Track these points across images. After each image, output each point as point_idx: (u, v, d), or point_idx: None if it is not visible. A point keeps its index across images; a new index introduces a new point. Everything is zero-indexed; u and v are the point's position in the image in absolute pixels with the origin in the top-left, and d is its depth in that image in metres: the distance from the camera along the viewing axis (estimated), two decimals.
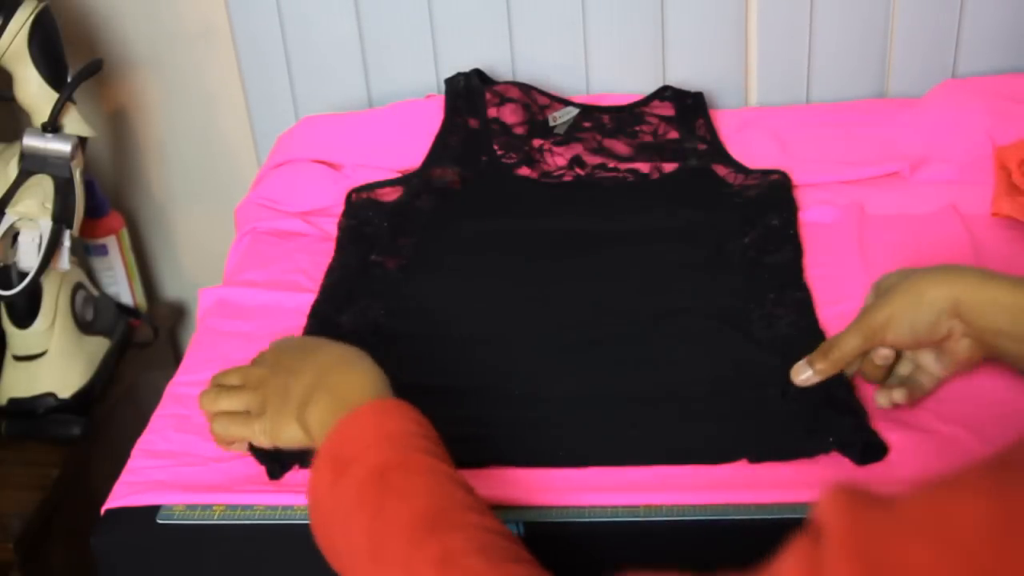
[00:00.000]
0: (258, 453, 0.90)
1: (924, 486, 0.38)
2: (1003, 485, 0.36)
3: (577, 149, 1.30)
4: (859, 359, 0.89)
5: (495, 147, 1.29)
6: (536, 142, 1.30)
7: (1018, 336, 0.80)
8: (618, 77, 1.42)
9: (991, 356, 0.87)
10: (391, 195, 1.24)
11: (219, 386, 0.90)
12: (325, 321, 1.06)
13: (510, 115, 1.32)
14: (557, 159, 1.29)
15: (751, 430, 0.89)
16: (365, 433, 0.74)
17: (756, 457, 0.87)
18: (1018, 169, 1.17)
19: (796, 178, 1.24)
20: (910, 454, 0.86)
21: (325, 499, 0.73)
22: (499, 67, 1.40)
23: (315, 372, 0.82)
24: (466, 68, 1.36)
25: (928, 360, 0.89)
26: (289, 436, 0.84)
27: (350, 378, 0.81)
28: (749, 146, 1.30)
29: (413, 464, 0.71)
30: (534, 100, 1.34)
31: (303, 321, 1.08)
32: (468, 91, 1.33)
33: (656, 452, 0.88)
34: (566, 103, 1.35)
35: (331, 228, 1.23)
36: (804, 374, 0.88)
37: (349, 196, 1.25)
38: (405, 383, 0.82)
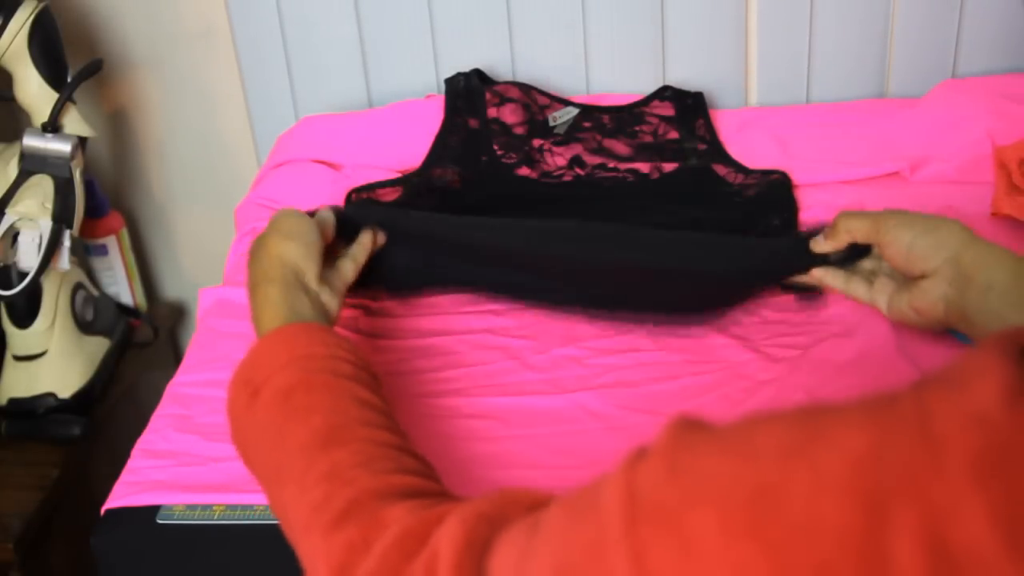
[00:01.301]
0: None
1: (744, 417, 0.41)
2: (804, 415, 0.39)
3: (577, 149, 1.30)
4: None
5: (495, 147, 1.29)
6: (536, 142, 1.30)
7: (1006, 291, 0.83)
8: (618, 77, 1.42)
9: (947, 323, 0.89)
10: (391, 195, 1.24)
11: None
12: None
13: (510, 115, 1.32)
14: (557, 159, 1.29)
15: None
16: (274, 358, 0.78)
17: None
18: (1018, 169, 1.17)
19: (796, 178, 1.24)
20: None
21: (240, 421, 0.78)
22: (499, 67, 1.40)
23: (252, 281, 0.89)
24: (466, 68, 1.36)
25: (887, 282, 0.94)
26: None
27: (269, 302, 0.85)
28: (749, 146, 1.30)
29: (315, 383, 0.75)
30: (534, 100, 1.34)
31: None
32: (468, 91, 1.33)
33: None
34: (566, 103, 1.35)
35: None
36: (819, 246, 0.97)
37: (348, 197, 1.24)
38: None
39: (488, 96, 1.33)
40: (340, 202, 1.25)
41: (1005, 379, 0.34)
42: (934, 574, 0.33)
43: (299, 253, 0.90)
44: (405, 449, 0.71)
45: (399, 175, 1.29)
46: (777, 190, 1.21)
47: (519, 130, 1.31)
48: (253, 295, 0.87)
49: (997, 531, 0.32)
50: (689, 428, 0.40)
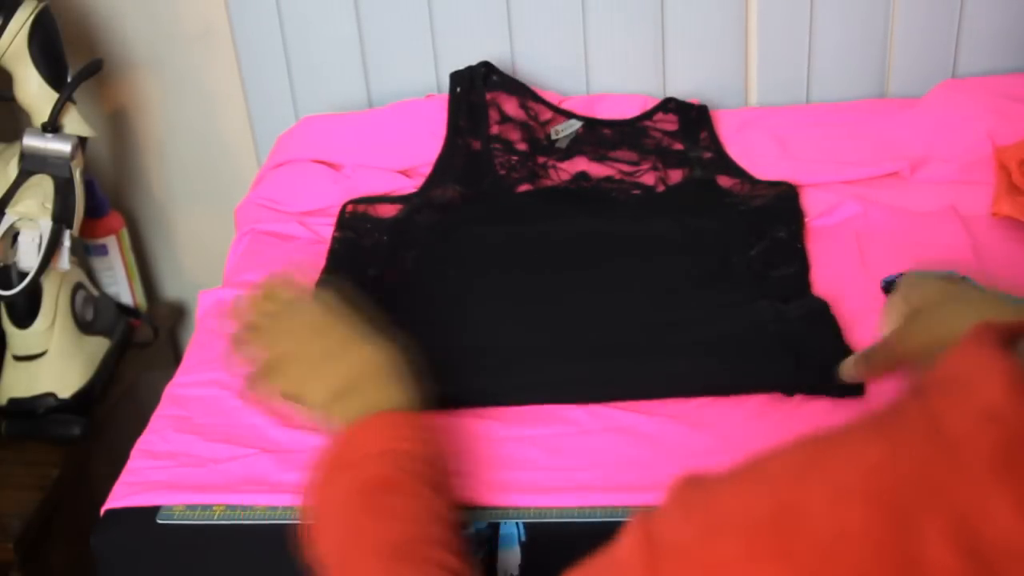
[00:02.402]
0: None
1: (750, 456, 0.41)
2: (811, 440, 0.39)
3: (581, 163, 1.29)
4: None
5: (498, 168, 1.28)
6: (540, 159, 1.30)
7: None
8: (618, 77, 1.42)
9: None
10: (390, 211, 1.23)
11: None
12: None
13: (512, 132, 1.31)
14: (561, 175, 1.29)
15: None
16: (372, 442, 0.78)
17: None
18: (1018, 169, 1.17)
19: (796, 178, 1.24)
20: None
21: (323, 483, 0.78)
22: (499, 67, 1.40)
23: (354, 371, 0.84)
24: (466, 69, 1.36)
25: None
26: (312, 414, 0.86)
27: (382, 393, 0.83)
28: (749, 147, 1.30)
29: (403, 487, 0.76)
30: (536, 116, 1.33)
31: None
32: (471, 107, 1.32)
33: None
34: (568, 115, 1.34)
35: (330, 230, 1.22)
36: (846, 373, 0.91)
37: (343, 209, 1.24)
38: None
39: (491, 113, 1.32)
40: (340, 202, 1.25)
41: (1007, 373, 0.34)
42: (973, 573, 0.32)
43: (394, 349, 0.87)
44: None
45: (399, 174, 1.29)
46: (783, 201, 1.21)
47: (521, 146, 1.30)
48: (364, 381, 0.84)
49: None
50: (695, 478, 0.40)
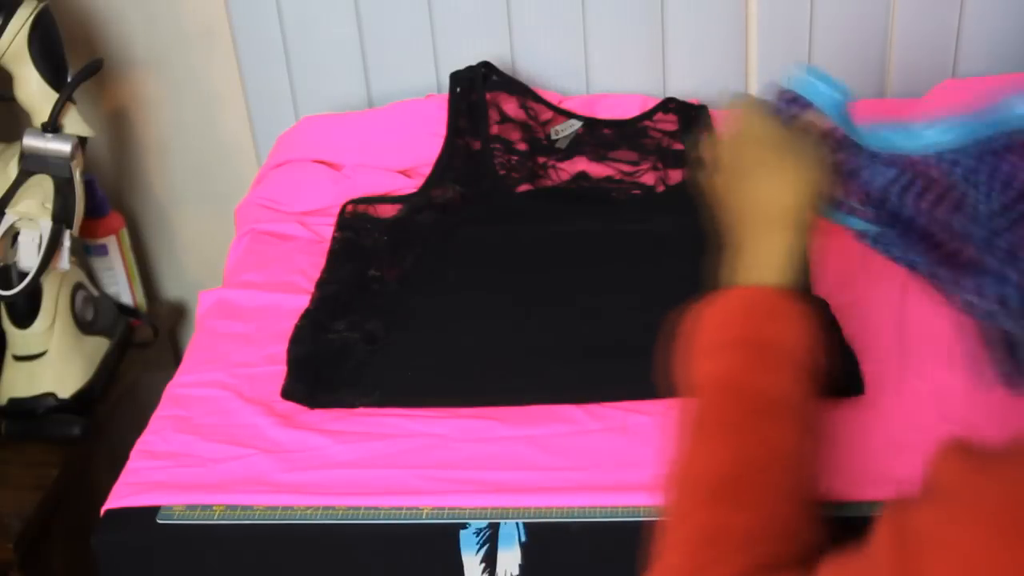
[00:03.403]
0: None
1: (1007, 444, 0.39)
2: None
3: (581, 164, 1.29)
4: None
5: (497, 168, 1.28)
6: (540, 159, 1.30)
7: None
8: (618, 77, 1.41)
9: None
10: (389, 211, 1.23)
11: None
12: (317, 328, 1.06)
13: (512, 132, 1.31)
14: (561, 175, 1.29)
15: None
16: (727, 328, 0.71)
17: None
18: None
19: None
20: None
21: (689, 358, 0.72)
22: (499, 67, 1.40)
23: (740, 209, 0.79)
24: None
25: None
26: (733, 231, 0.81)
27: (753, 249, 0.76)
28: None
29: (744, 396, 0.68)
30: (536, 116, 1.33)
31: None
32: (470, 107, 1.32)
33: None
34: (568, 115, 1.34)
35: (330, 230, 1.23)
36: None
37: (343, 209, 1.24)
38: (406, 390, 0.82)
39: (491, 113, 1.32)
40: (340, 202, 1.25)
41: None
42: None
43: (817, 184, 0.79)
44: (802, 523, 0.65)
45: (399, 174, 1.29)
46: None
47: (521, 146, 1.30)
48: (749, 222, 0.78)
49: None
50: (955, 453, 0.40)
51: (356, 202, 1.24)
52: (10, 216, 1.16)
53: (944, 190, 0.88)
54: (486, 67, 1.34)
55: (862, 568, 0.41)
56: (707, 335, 0.72)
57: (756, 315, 0.72)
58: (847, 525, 0.59)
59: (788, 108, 0.88)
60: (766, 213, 0.77)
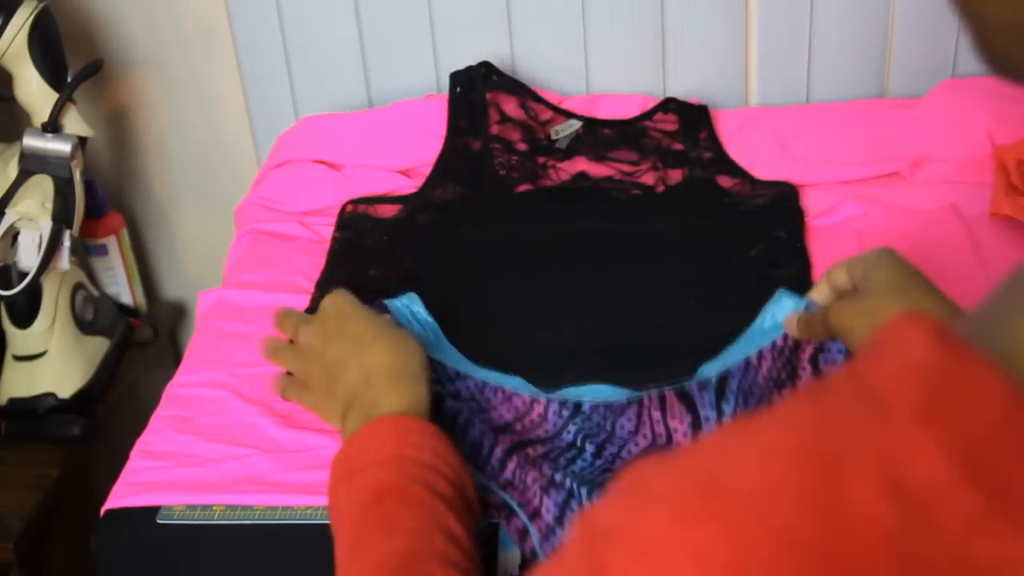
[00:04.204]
0: None
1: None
2: (744, 417, 0.39)
3: (581, 163, 1.29)
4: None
5: (497, 168, 1.28)
6: (540, 159, 1.30)
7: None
8: (618, 77, 1.41)
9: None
10: (389, 211, 1.23)
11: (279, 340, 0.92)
12: None
13: (512, 132, 1.31)
14: (561, 175, 1.29)
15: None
16: (380, 448, 0.76)
17: None
18: (1016, 170, 1.17)
19: (796, 178, 1.24)
20: None
21: (335, 492, 0.77)
22: (499, 67, 1.40)
23: (359, 377, 0.83)
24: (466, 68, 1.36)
25: None
26: (334, 425, 0.85)
27: (389, 396, 0.81)
28: (749, 147, 1.30)
29: (410, 496, 0.73)
30: (536, 116, 1.33)
31: None
32: (470, 106, 1.32)
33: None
34: (568, 115, 1.34)
35: (330, 230, 1.23)
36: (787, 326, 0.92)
37: (343, 209, 1.23)
38: None
39: (491, 113, 1.32)
40: (340, 202, 1.25)
41: (929, 333, 0.36)
42: (896, 511, 0.33)
43: (425, 353, 0.86)
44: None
45: (399, 174, 1.29)
46: (783, 201, 1.20)
47: (521, 146, 1.30)
48: (367, 388, 0.82)
49: (950, 463, 0.33)
50: (636, 464, 0.41)
51: (356, 202, 1.24)
52: (10, 216, 1.16)
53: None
54: (486, 67, 1.34)
55: (555, 570, 0.42)
56: (362, 455, 0.77)
57: (407, 435, 0.77)
58: None
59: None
60: (396, 370, 0.82)
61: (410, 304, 0.98)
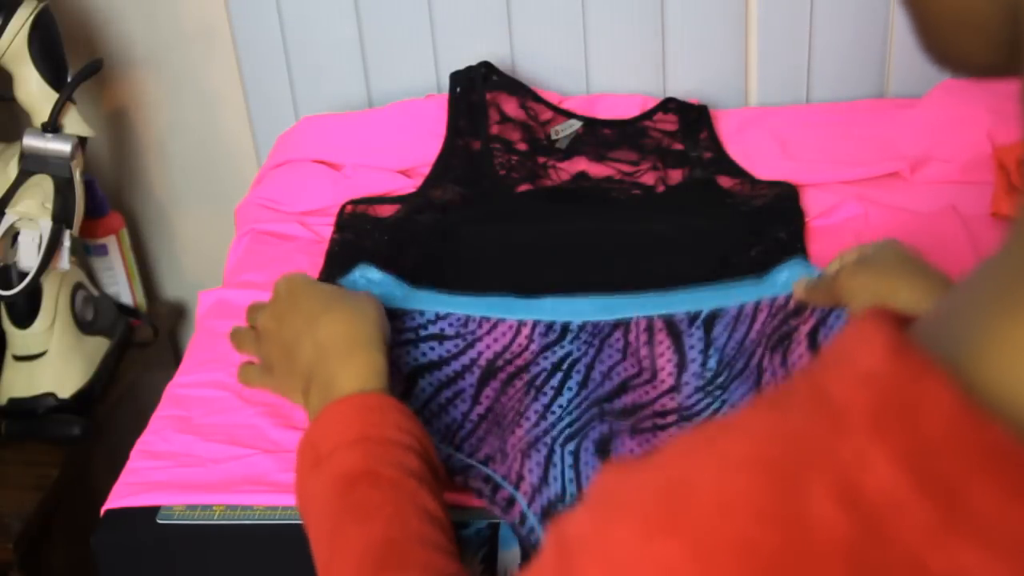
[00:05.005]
0: None
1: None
2: (705, 423, 0.40)
3: (581, 163, 1.29)
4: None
5: (497, 168, 1.28)
6: (540, 159, 1.29)
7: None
8: (618, 77, 1.41)
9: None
10: (388, 211, 1.23)
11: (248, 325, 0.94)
12: None
13: (512, 132, 1.31)
14: (561, 175, 1.29)
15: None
16: (346, 429, 0.76)
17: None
18: (1017, 170, 1.17)
19: (796, 178, 1.24)
20: None
21: (303, 483, 0.76)
22: (499, 67, 1.40)
23: (314, 351, 0.83)
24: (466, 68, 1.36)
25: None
26: (301, 404, 0.86)
27: (345, 369, 0.81)
28: (749, 146, 1.30)
29: (382, 479, 0.73)
30: (536, 116, 1.33)
31: None
32: (470, 107, 1.32)
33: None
34: (568, 115, 1.34)
35: (330, 230, 1.22)
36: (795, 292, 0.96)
37: (342, 209, 1.23)
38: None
39: (490, 113, 1.32)
40: (340, 202, 1.25)
41: (885, 340, 0.36)
42: (855, 524, 0.33)
43: (381, 315, 0.87)
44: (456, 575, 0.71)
45: (399, 174, 1.29)
46: (783, 201, 1.20)
47: (521, 146, 1.30)
48: (322, 362, 0.82)
49: (903, 472, 0.33)
50: (614, 465, 0.41)
51: (356, 202, 1.24)
52: (10, 216, 1.16)
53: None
54: (486, 67, 1.34)
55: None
56: (326, 440, 0.76)
57: (370, 415, 0.77)
58: None
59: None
60: (348, 339, 0.82)
61: (364, 272, 0.99)
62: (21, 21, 1.14)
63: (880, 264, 0.89)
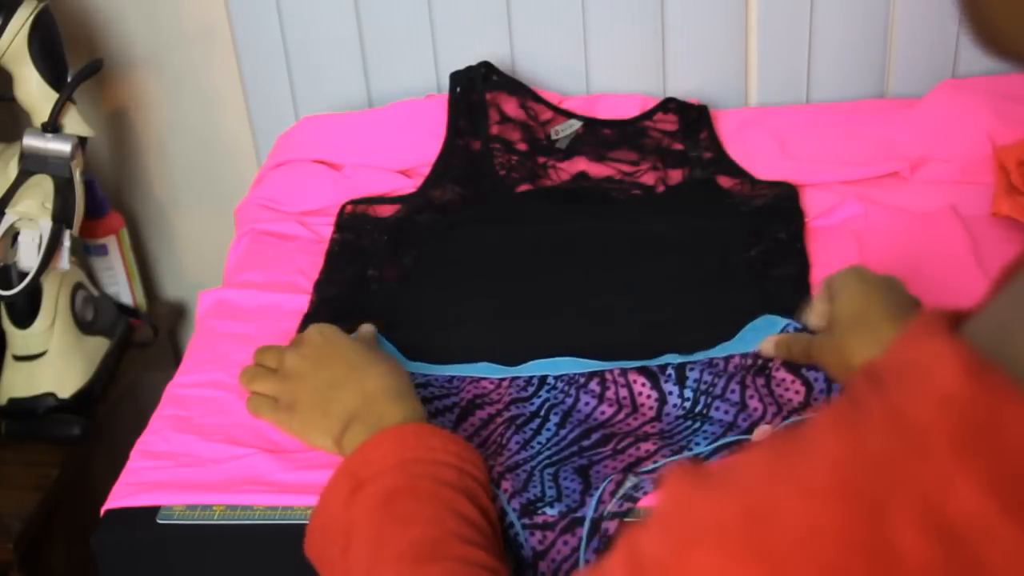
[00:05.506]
0: None
1: (728, 458, 0.42)
2: (778, 440, 0.39)
3: (581, 164, 1.29)
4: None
5: (497, 168, 1.28)
6: (540, 159, 1.29)
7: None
8: (618, 77, 1.41)
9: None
10: (387, 211, 1.23)
11: (258, 365, 0.96)
12: None
13: (512, 132, 1.31)
14: (561, 175, 1.29)
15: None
16: (384, 458, 0.79)
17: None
18: (1017, 170, 1.17)
19: (796, 178, 1.24)
20: None
21: (336, 512, 0.78)
22: (499, 67, 1.40)
23: (359, 398, 0.87)
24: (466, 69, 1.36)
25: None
26: (318, 445, 0.89)
27: (390, 411, 0.85)
28: (749, 147, 1.30)
29: (419, 490, 0.76)
30: (536, 116, 1.33)
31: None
32: (470, 107, 1.32)
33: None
34: (568, 115, 1.34)
35: (329, 230, 1.22)
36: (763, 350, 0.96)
37: (342, 209, 1.23)
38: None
39: (490, 113, 1.31)
40: (340, 202, 1.25)
41: (960, 359, 0.35)
42: (941, 550, 0.33)
43: (398, 367, 0.92)
44: (497, 570, 0.72)
45: (399, 174, 1.29)
46: (783, 201, 1.20)
47: (521, 146, 1.30)
48: (369, 406, 0.86)
49: (990, 497, 0.33)
50: (680, 478, 0.41)
51: (355, 202, 1.24)
52: (10, 216, 1.16)
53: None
54: (486, 67, 1.34)
55: None
56: (368, 467, 0.80)
57: (406, 440, 0.81)
58: None
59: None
60: (393, 391, 0.88)
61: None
62: (21, 21, 1.14)
63: (838, 327, 0.87)
